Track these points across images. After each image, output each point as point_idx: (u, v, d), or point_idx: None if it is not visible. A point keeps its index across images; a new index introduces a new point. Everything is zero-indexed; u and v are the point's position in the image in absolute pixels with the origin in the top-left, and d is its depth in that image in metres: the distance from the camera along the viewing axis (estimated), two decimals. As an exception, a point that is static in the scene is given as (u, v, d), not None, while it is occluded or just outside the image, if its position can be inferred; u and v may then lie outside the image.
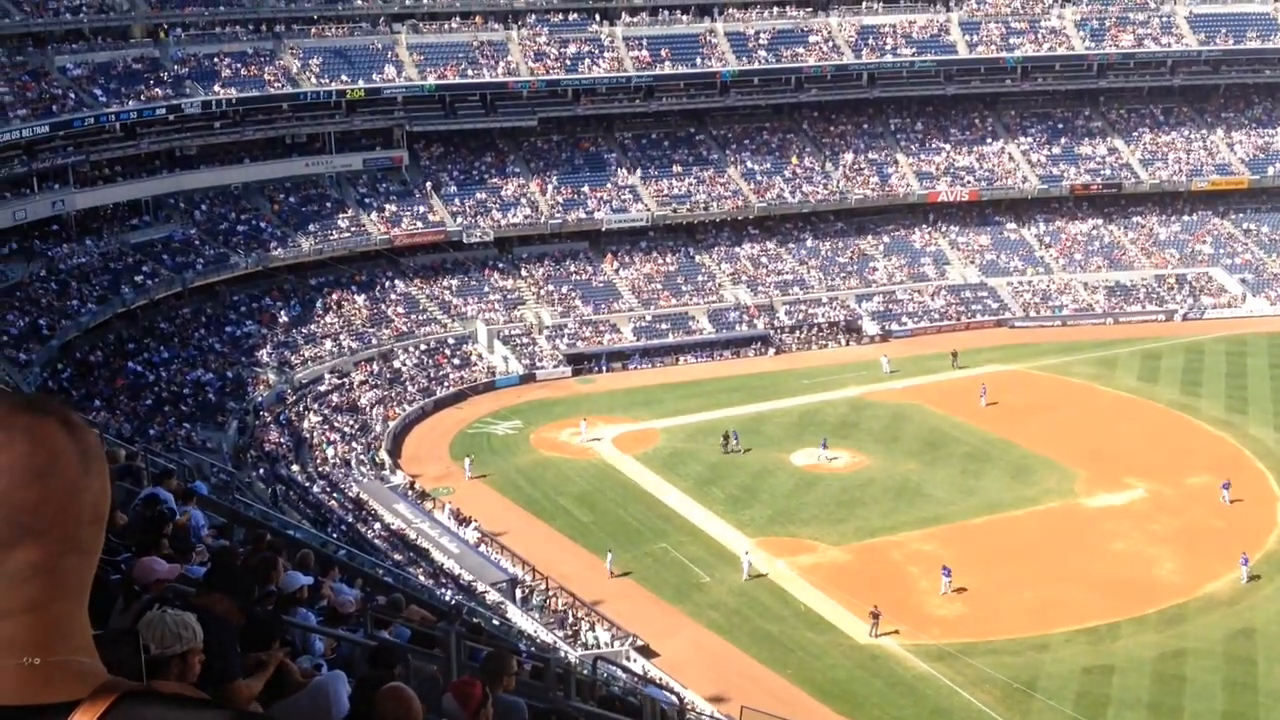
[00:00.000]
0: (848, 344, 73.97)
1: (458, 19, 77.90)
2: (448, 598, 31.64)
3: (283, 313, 67.79)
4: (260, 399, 59.68)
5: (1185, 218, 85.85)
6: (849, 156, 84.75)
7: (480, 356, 69.66)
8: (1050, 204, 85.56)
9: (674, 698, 27.91)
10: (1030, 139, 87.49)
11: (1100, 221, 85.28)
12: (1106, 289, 79.96)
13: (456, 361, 68.64)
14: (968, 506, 50.57)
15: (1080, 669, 38.84)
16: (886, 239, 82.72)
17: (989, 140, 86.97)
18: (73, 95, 63.21)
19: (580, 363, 69.87)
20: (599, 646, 38.88)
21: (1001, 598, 43.00)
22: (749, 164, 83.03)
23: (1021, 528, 48.49)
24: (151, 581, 8.34)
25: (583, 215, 77.95)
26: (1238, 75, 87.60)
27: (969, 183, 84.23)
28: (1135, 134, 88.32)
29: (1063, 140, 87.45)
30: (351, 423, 60.72)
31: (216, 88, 68.53)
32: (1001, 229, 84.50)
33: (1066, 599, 42.63)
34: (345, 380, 64.56)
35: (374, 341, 68.02)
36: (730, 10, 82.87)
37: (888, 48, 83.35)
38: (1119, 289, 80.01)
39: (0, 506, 1.57)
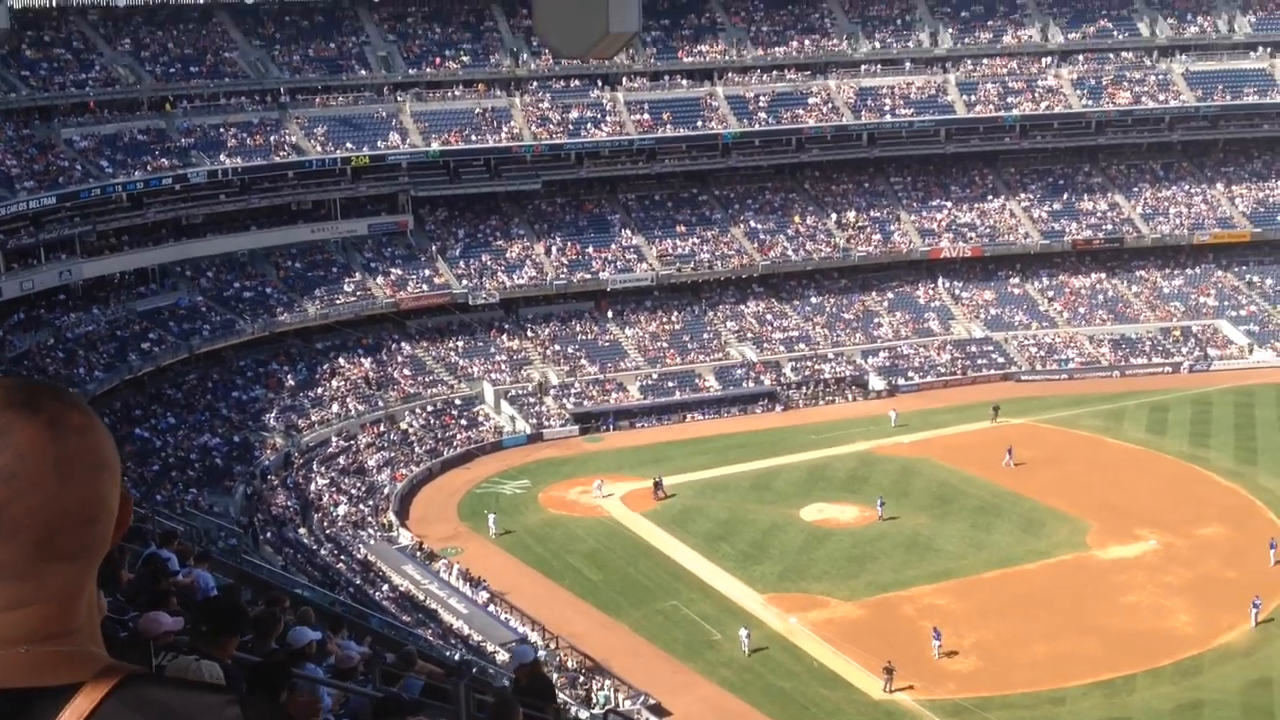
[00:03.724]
0: (854, 399, 73.89)
1: (461, 87, 78.68)
2: (456, 657, 31.38)
3: (289, 376, 67.91)
4: (267, 462, 59.66)
5: (1189, 271, 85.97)
6: (851, 214, 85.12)
7: (487, 417, 69.64)
8: (1053, 259, 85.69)
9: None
10: (1031, 195, 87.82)
11: (1103, 275, 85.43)
12: (1112, 342, 79.93)
13: (464, 422, 68.60)
14: (979, 560, 50.25)
15: (1097, 722, 38.42)
16: (891, 295, 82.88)
17: (990, 197, 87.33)
18: (79, 167, 63.81)
19: (587, 421, 69.77)
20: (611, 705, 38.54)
21: (1015, 652, 42.60)
22: (752, 223, 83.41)
23: (1034, 580, 48.13)
24: (157, 634, 8.32)
25: (587, 276, 78.25)
26: (1236, 130, 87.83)
27: (971, 239, 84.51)
28: (1135, 189, 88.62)
29: (1063, 196, 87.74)
30: (359, 484, 60.61)
31: (222, 157, 69.12)
32: (1005, 284, 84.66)
33: (1081, 652, 42.23)
34: (352, 443, 64.54)
35: (380, 404, 68.07)
36: (730, 74, 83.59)
37: (886, 108, 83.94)
38: (1124, 342, 79.98)
39: None
